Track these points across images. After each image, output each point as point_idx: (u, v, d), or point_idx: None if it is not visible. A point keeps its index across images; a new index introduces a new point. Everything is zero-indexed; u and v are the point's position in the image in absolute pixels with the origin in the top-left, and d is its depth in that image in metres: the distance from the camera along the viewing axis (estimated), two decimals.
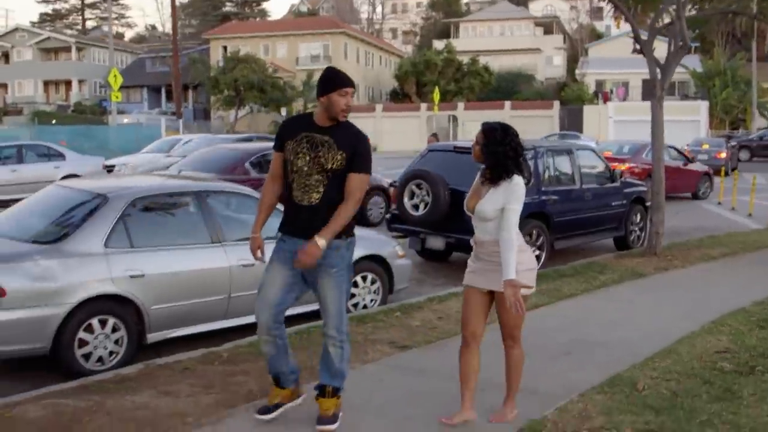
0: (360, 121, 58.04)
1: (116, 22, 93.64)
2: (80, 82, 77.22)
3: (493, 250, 4.95)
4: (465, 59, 67.74)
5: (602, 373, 6.31)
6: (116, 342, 6.88)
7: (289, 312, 5.32)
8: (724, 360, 6.71)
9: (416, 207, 11.16)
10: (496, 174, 4.96)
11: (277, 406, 5.23)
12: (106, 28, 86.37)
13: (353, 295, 8.65)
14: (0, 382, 6.60)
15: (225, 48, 69.76)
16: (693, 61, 57.92)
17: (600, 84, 66.60)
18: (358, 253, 8.46)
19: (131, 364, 6.72)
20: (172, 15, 45.87)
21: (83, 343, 6.68)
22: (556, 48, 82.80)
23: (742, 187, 23.10)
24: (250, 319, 6.62)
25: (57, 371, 6.61)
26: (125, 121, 49.22)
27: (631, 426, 5.15)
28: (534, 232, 11.40)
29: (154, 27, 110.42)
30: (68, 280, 6.60)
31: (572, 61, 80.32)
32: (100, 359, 6.79)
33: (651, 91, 12.72)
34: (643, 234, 13.96)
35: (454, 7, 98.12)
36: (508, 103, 59.50)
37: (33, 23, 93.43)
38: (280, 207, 5.26)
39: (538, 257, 11.42)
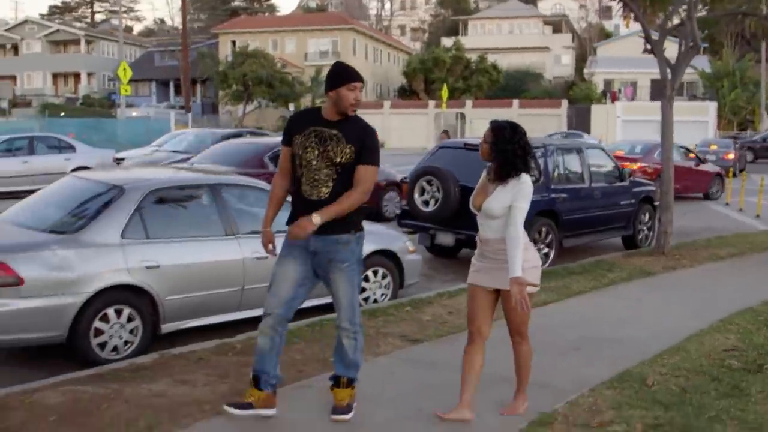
0: (368, 118, 57.09)
1: (125, 15, 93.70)
2: (89, 74, 77.40)
3: (499, 248, 4.98)
4: (473, 57, 67.76)
5: (612, 368, 6.38)
6: (131, 332, 6.97)
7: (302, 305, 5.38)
8: (732, 358, 6.78)
9: (426, 203, 11.24)
10: (504, 172, 4.98)
11: (249, 406, 5.15)
12: (114, 22, 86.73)
13: (364, 290, 8.73)
14: (18, 370, 6.69)
15: (234, 43, 69.84)
16: (702, 62, 57.87)
17: (608, 83, 66.59)
18: (370, 247, 8.58)
19: (146, 353, 6.81)
20: (182, 9, 46.00)
21: (99, 332, 6.77)
22: (564, 47, 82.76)
23: (750, 188, 23.12)
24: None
25: (72, 360, 6.70)
26: (133, 114, 49.31)
27: (641, 420, 5.23)
28: (543, 229, 11.48)
29: (162, 21, 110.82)
30: (85, 270, 6.69)
31: (581, 60, 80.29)
32: (115, 348, 6.88)
33: (661, 91, 12.78)
34: (651, 233, 14.02)
35: (463, 5, 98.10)
36: (516, 102, 59.53)
37: (42, 16, 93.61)
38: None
39: (546, 255, 11.53)
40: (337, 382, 5.31)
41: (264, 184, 8.47)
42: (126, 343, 6.95)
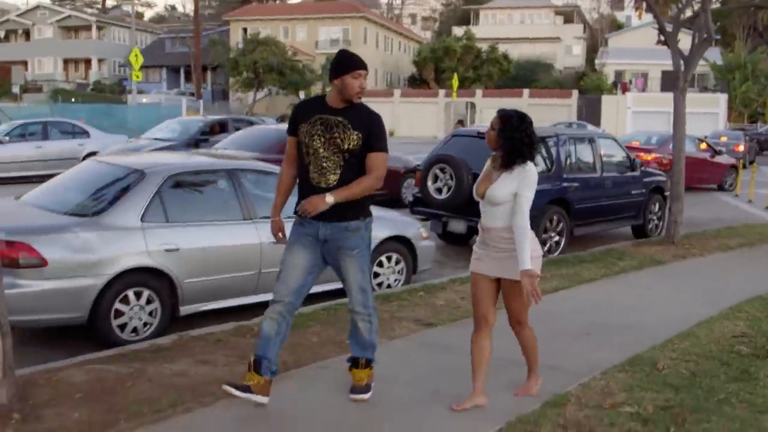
0: (378, 106, 57.76)
1: (136, 1, 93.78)
2: (100, 60, 77.61)
3: (501, 237, 5.04)
4: (484, 46, 67.71)
5: (623, 353, 6.50)
6: (150, 314, 7.11)
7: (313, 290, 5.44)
8: (741, 344, 6.89)
9: (439, 191, 11.36)
10: (510, 159, 5.01)
11: (248, 389, 5.09)
12: (125, 8, 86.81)
13: (378, 275, 8.86)
14: (39, 350, 6.83)
15: (245, 30, 69.92)
16: (713, 54, 57.74)
17: (619, 74, 66.47)
18: (384, 233, 8.73)
19: (164, 335, 6.94)
20: None
21: (119, 313, 6.91)
22: (575, 37, 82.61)
23: (759, 180, 23.18)
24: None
25: (92, 341, 6.84)
26: (144, 100, 49.42)
27: (652, 402, 5.34)
28: (554, 218, 11.58)
29: (173, 7, 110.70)
30: (106, 253, 6.81)
31: (591, 51, 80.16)
32: (134, 330, 7.02)
33: (674, 82, 12.84)
34: (661, 223, 14.12)
35: None
36: (526, 91, 59.50)
37: (53, 1, 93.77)
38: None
39: (557, 243, 11.65)
40: (355, 363, 5.41)
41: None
42: (145, 324, 7.09)
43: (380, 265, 8.87)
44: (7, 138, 20.46)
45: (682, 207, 12.65)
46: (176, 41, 74.72)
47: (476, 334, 5.30)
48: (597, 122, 51.78)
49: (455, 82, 50.87)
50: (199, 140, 19.68)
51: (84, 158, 18.23)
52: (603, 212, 12.74)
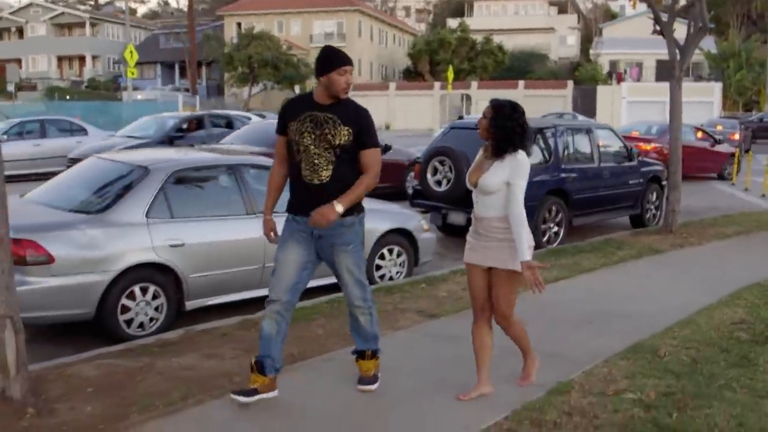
0: (373, 100, 58.21)
1: None
2: (94, 57, 77.49)
3: (494, 226, 5.07)
4: (479, 38, 67.72)
5: (624, 341, 6.59)
6: (156, 309, 7.19)
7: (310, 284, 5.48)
8: (741, 330, 6.99)
9: (439, 183, 11.44)
10: (502, 147, 5.03)
11: (255, 392, 5.16)
12: (118, 4, 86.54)
13: (380, 267, 8.95)
14: (45, 346, 6.89)
15: (239, 24, 69.88)
16: (707, 43, 57.74)
17: (614, 64, 66.55)
18: (385, 226, 8.82)
19: (170, 330, 7.02)
20: None
21: (126, 309, 6.99)
22: (570, 27, 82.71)
23: (755, 168, 23.28)
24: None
25: (97, 336, 6.92)
26: (138, 97, 49.34)
27: (654, 389, 5.44)
28: (553, 208, 11.67)
29: (166, 3, 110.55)
30: (112, 249, 6.89)
31: (586, 41, 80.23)
32: (141, 325, 7.10)
33: (670, 72, 12.92)
34: (658, 212, 14.21)
35: None
36: (521, 83, 59.57)
37: None
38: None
39: (556, 233, 11.74)
40: (361, 354, 5.49)
41: None
42: (151, 320, 7.17)
43: (382, 257, 8.96)
44: (5, 137, 20.47)
45: (679, 196, 12.74)
46: (170, 37, 74.68)
47: (476, 325, 5.36)
48: (592, 113, 51.86)
49: (450, 75, 50.92)
50: (173, 137, 19.21)
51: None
52: (601, 202, 12.83)
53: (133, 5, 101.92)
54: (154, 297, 7.17)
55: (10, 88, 45.59)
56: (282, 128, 5.17)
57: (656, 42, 53.81)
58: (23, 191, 8.32)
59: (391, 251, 9.05)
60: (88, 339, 6.92)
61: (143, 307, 7.10)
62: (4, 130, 20.87)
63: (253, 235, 7.72)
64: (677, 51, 12.69)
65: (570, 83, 59.69)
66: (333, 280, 7.76)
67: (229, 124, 21.22)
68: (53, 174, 11.27)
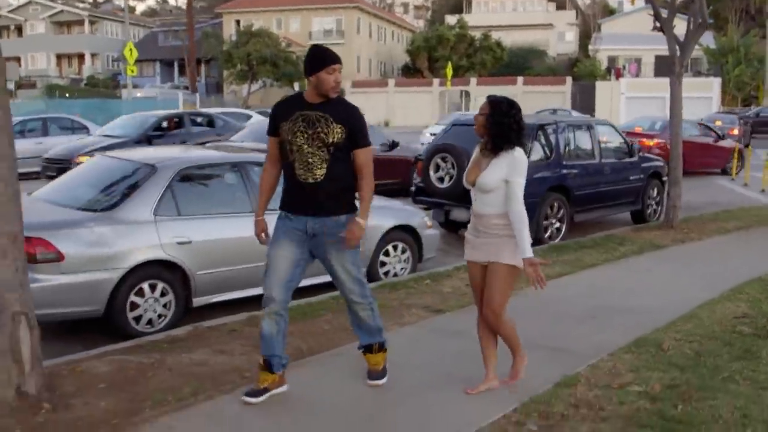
0: (372, 96, 58.38)
1: None
2: (93, 55, 77.54)
3: (493, 223, 5.09)
4: (477, 35, 67.77)
5: (628, 335, 6.66)
6: (164, 306, 7.27)
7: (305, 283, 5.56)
8: (743, 324, 7.07)
9: (441, 180, 11.51)
10: (498, 144, 5.05)
11: (265, 390, 5.24)
12: (117, 2, 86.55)
13: (384, 264, 9.03)
14: (54, 343, 6.95)
15: (238, 22, 69.88)
16: (706, 38, 57.65)
17: (612, 60, 66.63)
18: (390, 223, 8.89)
19: (178, 326, 7.09)
20: None
21: (134, 306, 7.06)
22: (568, 23, 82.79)
23: (754, 163, 23.37)
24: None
25: (105, 333, 7.01)
26: (138, 95, 49.36)
27: (659, 382, 5.52)
28: (555, 204, 11.74)
29: (165, 0, 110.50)
30: (121, 247, 6.96)
31: (584, 37, 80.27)
32: (149, 322, 7.17)
33: (670, 68, 12.99)
34: (659, 208, 14.30)
35: None
36: (520, 79, 59.62)
37: None
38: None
39: (558, 229, 11.81)
40: (369, 348, 5.54)
41: None
42: (160, 316, 7.24)
43: (386, 254, 9.04)
44: None
45: (680, 192, 12.82)
46: (169, 35, 74.70)
47: (481, 320, 5.41)
48: (591, 109, 51.94)
49: (449, 71, 50.94)
50: (151, 137, 18.62)
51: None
52: (602, 198, 12.90)
53: (131, 3, 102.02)
54: (163, 294, 7.25)
55: (10, 86, 45.65)
56: (273, 129, 5.21)
57: (655, 38, 53.74)
58: (28, 189, 8.37)
59: (395, 248, 9.13)
60: (96, 336, 7.01)
61: (152, 304, 7.18)
62: None
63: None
64: (677, 47, 12.76)
65: (569, 79, 59.75)
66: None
67: (210, 123, 20.79)
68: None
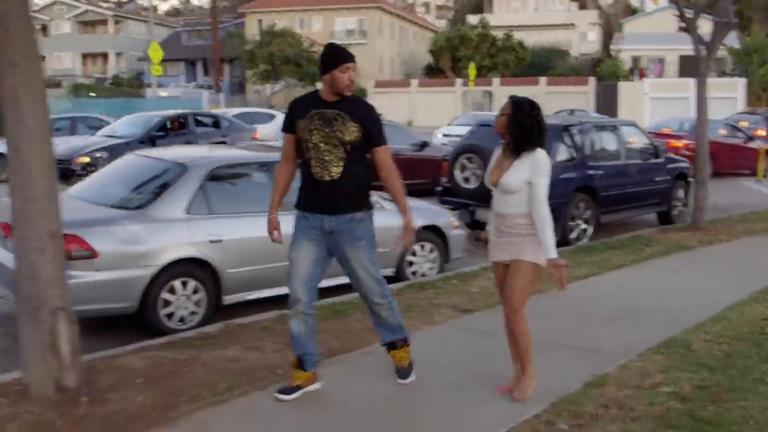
0: (395, 96, 58.43)
1: None
2: (117, 55, 78.07)
3: (516, 223, 5.09)
4: (499, 35, 67.65)
5: (657, 336, 6.68)
6: (196, 303, 7.35)
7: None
8: None
9: (467, 180, 11.56)
10: (520, 145, 5.05)
11: (298, 388, 5.32)
12: (140, 2, 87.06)
13: (411, 263, 9.08)
14: (87, 338, 7.01)
15: (260, 22, 70.05)
16: (731, 38, 57.36)
17: (635, 60, 66.33)
18: (417, 222, 8.88)
19: (208, 324, 7.19)
20: None
21: (166, 303, 7.16)
22: (590, 23, 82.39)
23: None
24: (326, 282, 6.96)
25: (136, 329, 7.12)
26: (162, 94, 49.70)
27: (689, 382, 5.55)
28: (581, 205, 11.75)
29: (188, 0, 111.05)
30: (154, 244, 7.07)
31: (607, 37, 79.88)
32: (181, 319, 7.27)
33: (696, 68, 12.96)
34: (685, 209, 14.26)
35: None
36: (543, 79, 59.42)
37: None
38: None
39: (584, 230, 11.82)
40: (392, 345, 5.55)
41: None
42: (191, 313, 7.33)
43: (414, 254, 9.10)
44: None
45: (706, 193, 12.80)
46: (192, 34, 75.03)
47: (508, 322, 5.41)
48: (614, 109, 51.71)
49: (472, 71, 50.92)
50: (155, 137, 18.33)
51: None
52: (628, 199, 12.90)
53: (155, 2, 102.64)
54: (194, 291, 7.33)
55: None
56: (289, 126, 5.24)
57: (678, 37, 53.46)
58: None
59: (423, 247, 9.19)
60: (129, 332, 7.10)
61: (183, 301, 7.27)
62: None
63: (288, 231, 7.87)
64: (702, 47, 12.74)
65: (592, 80, 59.48)
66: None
67: (216, 124, 20.49)
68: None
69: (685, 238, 11.83)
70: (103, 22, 79.68)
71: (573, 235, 11.61)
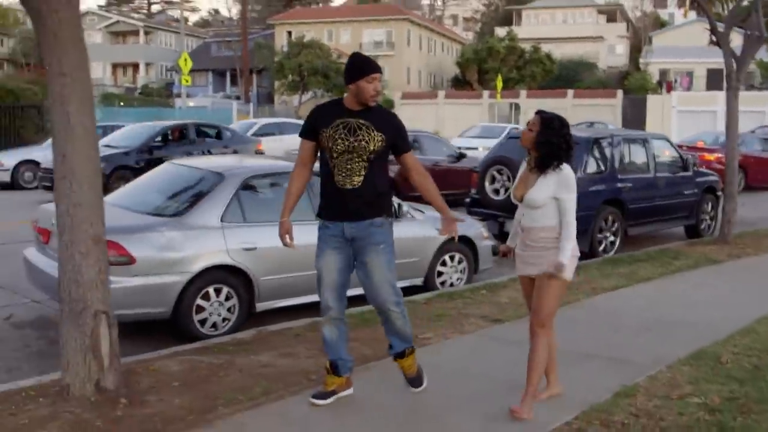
0: (422, 108, 58.46)
1: (185, 4, 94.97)
2: (147, 65, 78.74)
3: (540, 237, 5.11)
4: (527, 47, 67.59)
5: (686, 347, 6.73)
6: (228, 309, 7.48)
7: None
8: None
9: (497, 192, 11.65)
10: (548, 163, 5.03)
11: (333, 393, 5.39)
12: (170, 13, 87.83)
13: (441, 273, 9.17)
14: (123, 342, 7.17)
15: (289, 33, 70.49)
16: (759, 52, 57.04)
17: (663, 73, 66.02)
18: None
19: (240, 330, 7.31)
20: (242, 1, 46.64)
21: (200, 309, 7.28)
22: (618, 36, 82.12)
23: None
24: (351, 291, 7.08)
25: (168, 334, 7.26)
26: (191, 104, 50.05)
27: (718, 394, 5.60)
28: (609, 218, 11.80)
29: (217, 11, 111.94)
30: (189, 251, 7.20)
31: (635, 50, 79.59)
32: (214, 325, 7.39)
33: (727, 82, 12.97)
34: (713, 223, 14.26)
35: None
36: (570, 92, 59.25)
37: (100, 7, 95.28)
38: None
39: (612, 243, 11.86)
40: (401, 354, 5.53)
41: None
42: (224, 320, 7.45)
43: (443, 264, 9.18)
44: None
45: (735, 206, 12.81)
46: (222, 45, 75.56)
47: None
48: (642, 122, 51.47)
49: (499, 83, 50.88)
50: (153, 147, 18.32)
51: None
52: (657, 212, 12.93)
53: (184, 14, 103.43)
54: (227, 298, 7.46)
55: None
56: (308, 132, 5.28)
57: (707, 51, 53.24)
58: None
59: (452, 258, 9.28)
60: (161, 337, 7.24)
61: (217, 307, 7.39)
62: None
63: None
64: (733, 61, 12.75)
65: (619, 92, 59.23)
66: (403, 283, 8.14)
67: (219, 135, 20.22)
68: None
69: (713, 251, 11.84)
70: (134, 32, 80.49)
71: (601, 247, 11.65)
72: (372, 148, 5.08)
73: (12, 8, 79.14)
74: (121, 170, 17.21)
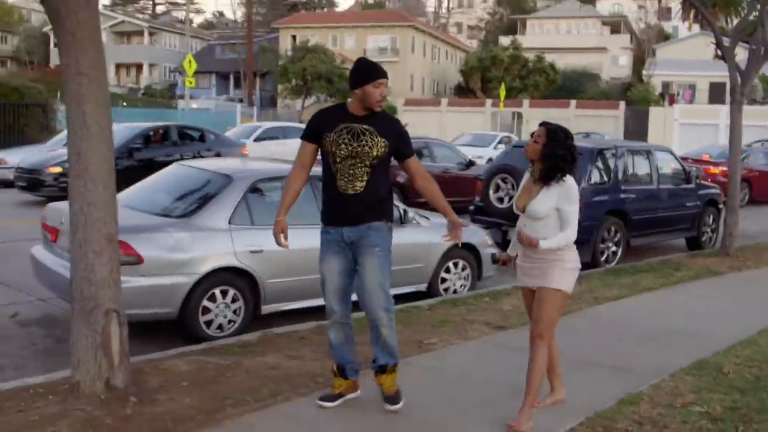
0: (425, 115, 58.52)
1: (191, 4, 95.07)
2: (151, 66, 78.79)
3: (542, 248, 5.10)
4: (531, 56, 67.70)
5: (688, 357, 6.80)
6: (234, 311, 7.53)
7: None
8: None
9: (501, 200, 11.72)
10: (551, 175, 5.02)
11: (340, 396, 5.43)
12: (175, 14, 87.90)
13: (444, 280, 9.23)
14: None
15: (294, 37, 70.58)
16: (764, 66, 57.17)
17: (666, 86, 66.10)
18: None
19: (246, 332, 7.36)
20: (248, 5, 46.72)
21: (206, 310, 7.34)
22: (622, 48, 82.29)
23: None
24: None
25: (174, 335, 7.30)
26: (194, 106, 50.09)
27: (720, 403, 5.66)
28: (612, 228, 11.87)
29: (221, 14, 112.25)
30: (197, 252, 7.25)
31: (638, 62, 79.71)
32: (219, 327, 7.44)
33: (731, 96, 13.04)
34: (714, 235, 14.33)
35: (521, 4, 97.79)
36: (573, 102, 59.35)
37: (105, 6, 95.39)
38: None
39: (614, 253, 11.93)
40: (383, 369, 5.42)
41: None
42: (230, 322, 7.51)
43: (447, 270, 9.25)
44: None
45: (737, 219, 12.88)
46: (226, 48, 75.65)
47: None
48: (644, 134, 51.57)
49: (502, 92, 50.93)
50: (133, 149, 17.57)
51: None
52: (659, 223, 13.01)
53: (190, 15, 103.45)
54: (233, 300, 7.51)
55: None
56: (311, 135, 5.29)
57: (710, 64, 53.31)
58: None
59: (456, 265, 9.34)
60: (167, 337, 7.29)
61: (223, 309, 7.44)
62: None
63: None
64: (738, 75, 12.83)
65: (622, 104, 59.32)
66: (407, 289, 8.26)
67: (202, 138, 19.54)
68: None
69: (715, 263, 11.92)
70: (139, 33, 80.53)
71: (603, 258, 11.71)
72: (375, 153, 5.11)
73: (16, 6, 79.33)
74: None
